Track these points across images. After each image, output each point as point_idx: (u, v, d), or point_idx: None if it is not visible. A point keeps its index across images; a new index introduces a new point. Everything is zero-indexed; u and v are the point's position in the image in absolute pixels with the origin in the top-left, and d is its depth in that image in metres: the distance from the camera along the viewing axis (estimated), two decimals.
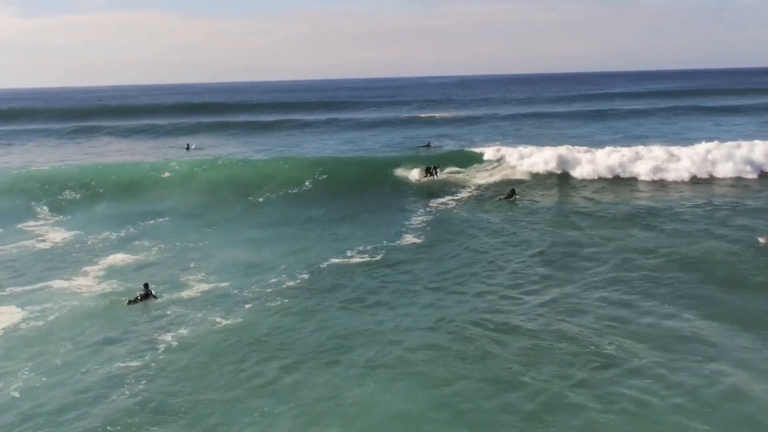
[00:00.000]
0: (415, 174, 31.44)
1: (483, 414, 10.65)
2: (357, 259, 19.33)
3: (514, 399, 11.07)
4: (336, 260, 19.26)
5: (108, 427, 10.62)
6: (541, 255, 19.24)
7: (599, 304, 15.22)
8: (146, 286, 16.50)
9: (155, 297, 16.32)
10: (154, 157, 43.72)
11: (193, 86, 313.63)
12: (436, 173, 31.69)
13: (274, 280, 17.55)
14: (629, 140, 43.31)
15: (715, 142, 33.12)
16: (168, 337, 14.05)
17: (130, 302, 16.06)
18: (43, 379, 12.37)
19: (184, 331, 14.28)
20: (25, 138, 58.01)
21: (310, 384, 11.82)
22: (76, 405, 11.35)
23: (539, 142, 38.53)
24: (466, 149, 37.67)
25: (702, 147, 32.24)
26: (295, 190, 28.88)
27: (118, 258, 20.13)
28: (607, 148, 33.17)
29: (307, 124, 63.17)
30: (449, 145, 43.30)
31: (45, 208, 27.82)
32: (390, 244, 20.95)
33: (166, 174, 31.81)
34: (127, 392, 11.73)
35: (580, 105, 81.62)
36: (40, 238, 23.31)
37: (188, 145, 51.01)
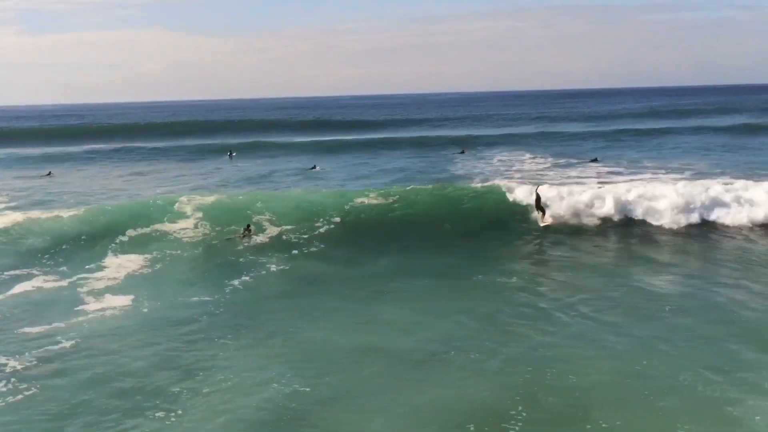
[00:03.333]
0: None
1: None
2: None
3: None
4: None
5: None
6: None
7: None
8: (248, 226, 22.09)
9: (250, 235, 21.77)
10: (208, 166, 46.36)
11: (206, 103, 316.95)
12: None
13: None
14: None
15: None
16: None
17: (238, 237, 21.73)
18: (158, 303, 16.82)
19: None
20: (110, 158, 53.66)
21: (373, 306, 16.52)
22: (186, 320, 15.56)
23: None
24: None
25: None
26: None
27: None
28: None
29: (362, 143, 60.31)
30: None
31: None
32: None
33: None
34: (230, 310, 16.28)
35: (637, 122, 79.37)
36: None
37: (230, 153, 51.14)
